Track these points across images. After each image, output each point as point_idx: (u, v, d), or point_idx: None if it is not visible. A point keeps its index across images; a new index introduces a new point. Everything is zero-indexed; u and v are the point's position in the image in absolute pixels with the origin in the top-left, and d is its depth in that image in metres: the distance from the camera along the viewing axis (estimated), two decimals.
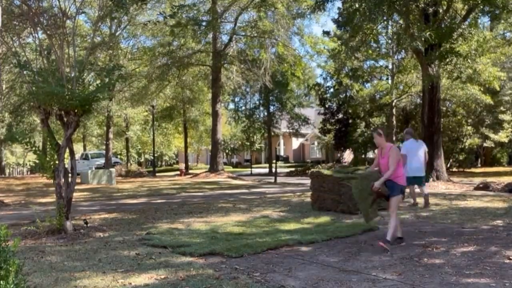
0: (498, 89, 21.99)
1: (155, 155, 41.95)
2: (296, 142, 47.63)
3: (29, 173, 53.33)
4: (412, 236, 6.50)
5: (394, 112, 27.54)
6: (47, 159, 7.54)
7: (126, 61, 27.02)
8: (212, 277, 4.47)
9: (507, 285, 4.07)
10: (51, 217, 7.42)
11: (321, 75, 37.46)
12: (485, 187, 13.79)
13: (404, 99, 27.46)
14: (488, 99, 22.44)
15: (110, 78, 7.92)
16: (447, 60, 15.28)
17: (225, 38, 27.29)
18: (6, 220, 8.99)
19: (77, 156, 25.36)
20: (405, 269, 4.71)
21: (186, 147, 39.28)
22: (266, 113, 32.67)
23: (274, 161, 27.48)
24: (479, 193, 12.84)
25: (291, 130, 34.75)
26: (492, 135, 26.07)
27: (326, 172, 10.18)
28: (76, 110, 7.44)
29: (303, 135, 40.78)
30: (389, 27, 21.17)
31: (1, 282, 2.55)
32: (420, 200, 9.75)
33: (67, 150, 7.83)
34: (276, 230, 7.07)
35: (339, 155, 36.76)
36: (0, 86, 25.98)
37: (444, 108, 24.85)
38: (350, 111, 30.23)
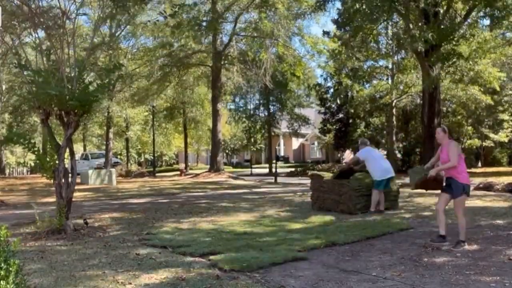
0: (498, 89, 21.99)
1: (155, 155, 41.94)
2: (296, 142, 47.62)
3: (29, 173, 53.33)
4: (412, 236, 6.51)
5: (394, 112, 27.55)
6: (47, 159, 7.53)
7: (126, 61, 27.02)
8: (212, 277, 4.47)
9: (507, 285, 4.07)
10: (51, 217, 7.41)
11: (321, 75, 37.43)
12: (486, 187, 13.79)
13: (404, 99, 27.47)
14: (488, 99, 22.46)
15: (110, 78, 7.92)
16: (449, 62, 15.24)
17: (225, 38, 27.32)
18: (6, 220, 8.98)
19: (77, 156, 25.38)
20: (405, 269, 4.71)
21: (186, 147, 39.26)
22: (266, 113, 32.68)
23: (274, 161, 27.47)
24: (480, 193, 12.83)
25: (291, 130, 34.74)
26: (492, 135, 26.08)
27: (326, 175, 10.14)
28: (76, 110, 7.44)
29: (303, 135, 40.80)
30: (389, 27, 21.18)
31: (2, 282, 2.55)
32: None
33: (67, 150, 7.83)
34: (277, 230, 7.07)
35: (339, 155, 36.73)
36: (0, 86, 26.01)
37: (444, 108, 24.87)
38: (350, 111, 30.24)
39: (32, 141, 7.85)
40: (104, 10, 9.38)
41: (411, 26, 15.42)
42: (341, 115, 31.94)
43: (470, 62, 15.87)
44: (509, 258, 5.02)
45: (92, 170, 22.80)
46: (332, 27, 26.93)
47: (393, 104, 26.94)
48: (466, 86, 21.64)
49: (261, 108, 33.42)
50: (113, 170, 23.07)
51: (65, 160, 7.88)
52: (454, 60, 15.21)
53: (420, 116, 19.42)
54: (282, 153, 46.98)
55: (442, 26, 14.87)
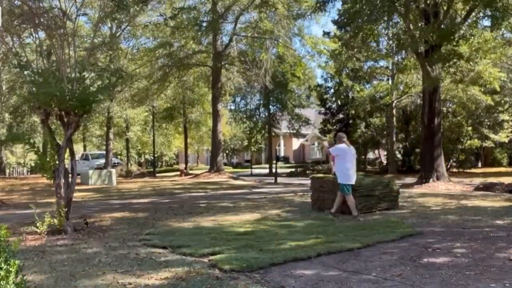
0: (498, 89, 21.96)
1: (155, 155, 41.94)
2: (296, 143, 47.58)
3: (29, 173, 53.33)
4: (413, 236, 6.50)
5: (395, 113, 27.54)
6: (47, 159, 7.53)
7: (126, 62, 27.01)
8: (212, 278, 4.47)
9: (507, 286, 4.07)
10: (51, 218, 7.41)
11: (322, 75, 37.39)
12: (486, 187, 13.80)
13: (404, 99, 27.46)
14: (488, 100, 22.43)
15: (111, 80, 7.92)
16: (450, 62, 15.23)
17: (225, 38, 27.32)
18: (6, 220, 8.98)
19: (77, 156, 25.39)
20: (405, 269, 4.71)
21: (186, 148, 39.24)
22: (266, 114, 32.66)
23: (274, 161, 27.46)
24: (480, 193, 12.85)
25: (291, 131, 34.72)
26: (492, 135, 26.04)
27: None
28: (76, 111, 7.44)
29: (303, 136, 40.76)
30: (390, 28, 21.11)
31: (2, 282, 2.55)
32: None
33: (67, 151, 7.82)
34: (277, 231, 7.07)
35: None
36: (0, 86, 26.01)
37: (444, 109, 24.84)
38: (350, 111, 30.22)
39: (32, 140, 7.86)
40: (105, 10, 9.38)
41: (411, 26, 15.42)
42: (341, 116, 31.92)
43: (471, 63, 15.86)
44: (509, 259, 5.01)
45: (92, 171, 22.81)
46: (332, 27, 26.90)
47: (393, 104, 26.94)
48: (466, 87, 21.59)
49: (262, 109, 33.39)
50: (113, 170, 23.07)
51: (65, 160, 7.88)
52: (455, 60, 15.20)
53: (420, 116, 19.40)
54: (282, 154, 46.97)
55: (442, 27, 14.87)
